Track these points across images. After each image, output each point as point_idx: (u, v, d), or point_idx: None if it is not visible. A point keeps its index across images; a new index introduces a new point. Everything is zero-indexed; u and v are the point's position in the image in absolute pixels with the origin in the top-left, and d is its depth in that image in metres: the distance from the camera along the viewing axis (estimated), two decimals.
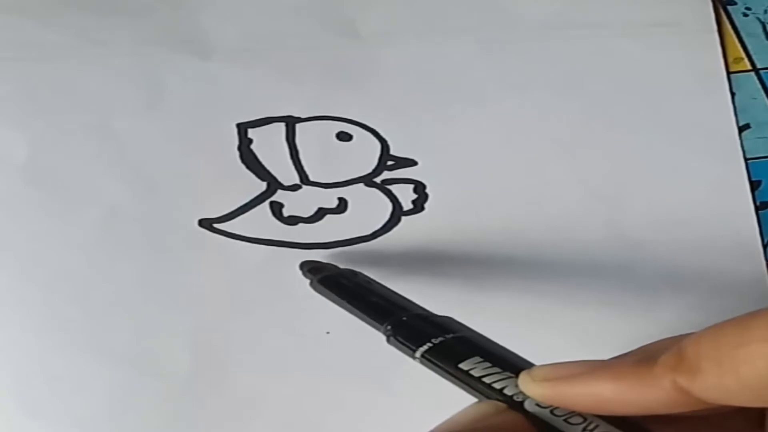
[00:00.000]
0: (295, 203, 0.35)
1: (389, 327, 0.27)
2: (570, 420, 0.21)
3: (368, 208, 0.35)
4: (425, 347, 0.25)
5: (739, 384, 0.19)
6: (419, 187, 0.36)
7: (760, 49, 0.39)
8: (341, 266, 0.33)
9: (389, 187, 0.36)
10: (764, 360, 0.18)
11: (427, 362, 0.25)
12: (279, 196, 0.35)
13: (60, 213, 0.34)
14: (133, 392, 0.32)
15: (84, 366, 0.32)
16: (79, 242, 0.34)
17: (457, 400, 0.32)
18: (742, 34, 0.39)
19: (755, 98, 0.38)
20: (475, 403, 0.23)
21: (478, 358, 0.24)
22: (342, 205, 0.35)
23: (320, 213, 0.35)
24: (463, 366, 0.24)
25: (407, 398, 0.32)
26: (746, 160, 0.37)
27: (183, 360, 0.33)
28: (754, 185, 0.36)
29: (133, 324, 0.33)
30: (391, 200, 0.35)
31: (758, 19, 0.39)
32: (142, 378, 0.32)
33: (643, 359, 0.20)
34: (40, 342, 0.33)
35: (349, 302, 0.30)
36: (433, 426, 0.22)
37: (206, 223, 0.35)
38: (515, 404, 0.22)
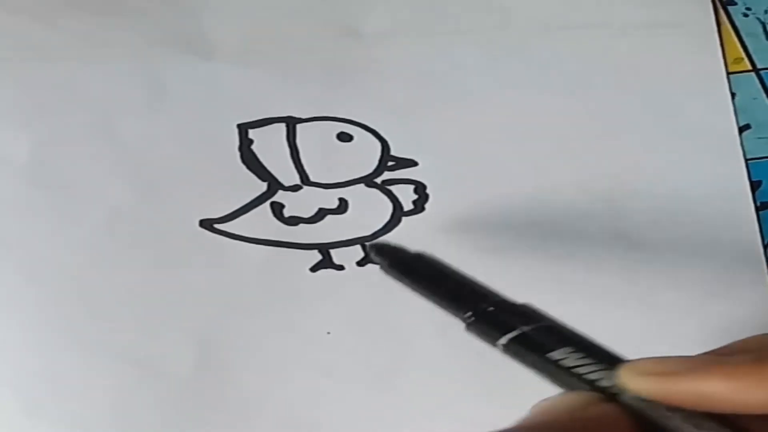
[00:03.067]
0: (295, 204, 0.35)
1: (470, 314, 0.26)
2: (671, 414, 0.21)
3: (369, 209, 0.35)
4: (512, 335, 0.24)
5: None
6: (420, 188, 0.36)
7: (760, 50, 0.39)
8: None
9: (390, 187, 0.36)
10: None
11: (512, 351, 0.24)
12: (280, 196, 0.35)
13: (61, 213, 0.34)
14: (135, 392, 0.32)
15: (86, 366, 0.32)
16: (80, 242, 0.34)
17: (458, 400, 0.32)
18: (743, 34, 0.39)
19: (755, 98, 0.38)
20: (567, 393, 0.22)
21: (570, 349, 0.23)
22: (343, 206, 0.35)
23: (321, 213, 0.35)
24: (553, 356, 0.23)
25: (407, 398, 0.32)
26: (746, 160, 0.37)
27: (184, 360, 0.33)
28: (755, 185, 0.36)
29: (134, 324, 0.33)
30: (392, 201, 0.35)
31: (758, 19, 0.39)
32: (144, 378, 0.32)
33: (759, 358, 0.20)
34: (42, 342, 0.33)
35: (425, 288, 0.28)
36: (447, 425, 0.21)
37: (207, 224, 0.35)
38: (610, 397, 0.22)
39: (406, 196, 0.36)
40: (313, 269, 0.34)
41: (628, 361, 0.22)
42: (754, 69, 0.38)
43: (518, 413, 0.21)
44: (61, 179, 0.35)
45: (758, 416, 0.20)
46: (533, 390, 0.22)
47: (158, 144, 0.36)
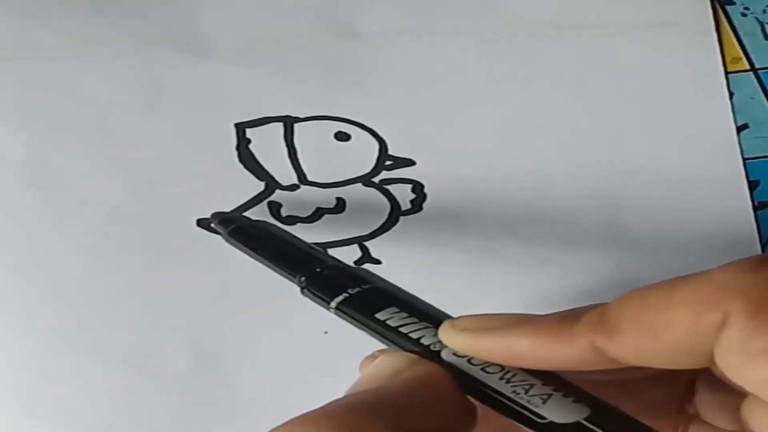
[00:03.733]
0: (293, 203, 0.35)
1: (303, 278, 0.26)
2: (487, 369, 0.21)
3: (366, 208, 0.35)
4: (341, 298, 0.25)
5: (656, 346, 0.19)
6: (417, 187, 0.36)
7: (758, 49, 0.39)
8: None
9: (387, 186, 0.36)
10: (684, 323, 0.19)
11: (342, 313, 0.25)
12: (277, 195, 0.35)
13: (58, 213, 0.34)
14: (133, 392, 0.32)
15: (83, 366, 0.32)
16: (77, 242, 0.34)
17: None
18: (741, 33, 0.39)
19: (753, 98, 0.38)
20: (386, 355, 0.23)
21: (394, 309, 0.24)
22: (340, 205, 0.35)
23: (318, 213, 0.35)
24: (379, 316, 0.23)
25: None
26: (744, 159, 0.37)
27: (181, 360, 0.33)
28: (753, 185, 0.36)
29: (131, 324, 0.33)
30: (390, 200, 0.35)
31: (756, 18, 0.39)
32: (141, 378, 0.32)
33: (566, 317, 0.21)
34: (39, 342, 0.33)
35: (262, 254, 0.29)
36: None
37: (204, 223, 0.35)
38: (432, 354, 0.22)
39: (404, 195, 0.36)
40: None
41: (452, 318, 0.23)
42: (753, 68, 0.38)
43: None
44: (59, 179, 0.35)
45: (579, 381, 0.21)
46: None
47: (155, 143, 0.36)
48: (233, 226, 0.31)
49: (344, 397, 0.21)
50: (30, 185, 0.35)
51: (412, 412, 0.20)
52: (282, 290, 0.34)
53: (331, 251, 0.34)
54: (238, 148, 0.36)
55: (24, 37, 0.37)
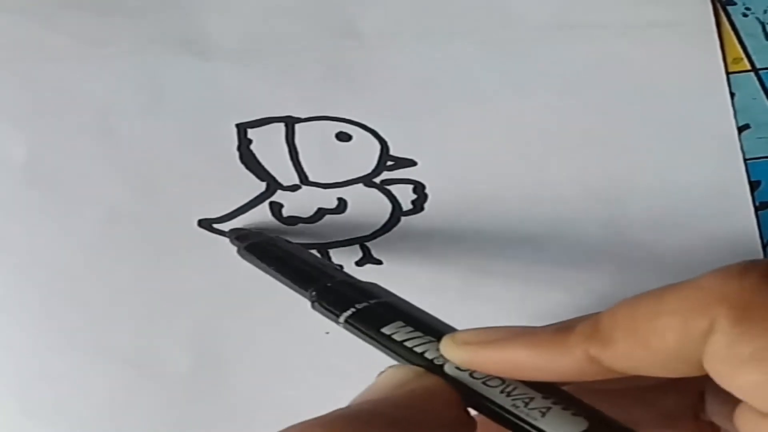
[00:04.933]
0: (294, 203, 0.35)
1: (314, 293, 0.27)
2: (488, 383, 0.21)
3: (368, 209, 0.35)
4: (349, 312, 0.25)
5: (648, 355, 0.19)
6: (419, 188, 0.36)
7: (759, 50, 0.39)
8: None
9: (389, 187, 0.36)
10: (673, 332, 0.19)
11: (350, 327, 0.25)
12: (278, 196, 0.35)
13: (59, 213, 0.34)
14: (133, 392, 0.32)
15: (84, 366, 0.32)
16: (78, 242, 0.34)
17: None
18: (742, 34, 0.39)
19: (755, 98, 0.38)
20: (392, 368, 0.23)
21: (400, 323, 0.24)
22: (341, 206, 0.35)
23: (320, 213, 0.35)
24: (385, 330, 0.24)
25: None
26: (745, 160, 0.37)
27: (182, 360, 0.33)
28: (754, 185, 0.36)
29: (132, 324, 0.33)
30: (391, 200, 0.35)
31: (758, 19, 0.39)
32: (142, 378, 0.32)
33: (561, 328, 0.21)
34: (40, 342, 0.33)
35: (275, 269, 0.30)
36: None
37: (205, 224, 0.35)
38: (435, 368, 0.22)
39: (405, 196, 0.36)
40: None
41: (453, 332, 0.23)
42: (754, 69, 0.38)
43: None
44: (60, 179, 0.35)
45: (590, 392, 0.21)
46: None
47: (156, 144, 0.36)
48: (248, 243, 0.32)
49: (345, 407, 0.21)
50: (30, 185, 0.35)
51: (409, 423, 0.20)
52: (282, 290, 0.34)
53: (333, 251, 0.34)
54: (239, 148, 0.36)
55: (24, 37, 0.37)
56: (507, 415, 0.21)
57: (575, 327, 0.20)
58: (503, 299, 0.34)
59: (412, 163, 0.36)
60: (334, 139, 0.36)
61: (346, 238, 0.35)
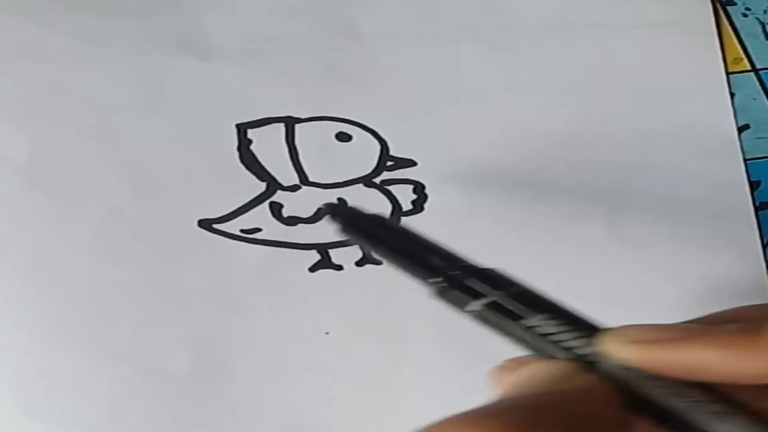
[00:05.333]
0: (294, 204, 0.35)
1: (441, 280, 0.24)
2: (654, 383, 0.20)
3: (368, 209, 0.35)
4: (485, 300, 0.23)
5: None
6: (418, 188, 0.36)
7: (759, 50, 0.39)
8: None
9: (388, 187, 0.36)
10: None
11: (485, 317, 0.23)
12: (278, 196, 0.35)
13: (60, 213, 0.34)
14: (133, 392, 0.32)
15: (84, 366, 0.32)
16: (78, 242, 0.34)
17: (456, 400, 0.32)
18: (742, 34, 0.39)
19: (755, 98, 0.38)
20: (541, 363, 0.22)
21: (545, 315, 0.22)
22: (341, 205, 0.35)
23: (320, 213, 0.35)
24: (527, 322, 0.22)
25: (406, 398, 0.32)
26: (746, 160, 0.37)
27: (183, 360, 0.33)
28: (754, 185, 0.36)
29: (132, 324, 0.33)
30: (391, 201, 0.35)
31: (758, 19, 0.39)
32: (142, 378, 0.32)
33: (747, 328, 0.20)
34: (40, 342, 0.33)
35: (390, 252, 0.26)
36: None
37: (206, 224, 0.35)
38: (588, 365, 0.21)
39: (405, 196, 0.36)
40: (312, 269, 0.34)
41: (611, 328, 0.22)
42: (754, 69, 0.38)
43: None
44: (60, 179, 0.35)
45: (747, 386, 0.20)
46: None
47: (157, 144, 0.36)
48: (350, 220, 0.27)
49: (503, 400, 0.20)
50: (31, 185, 0.35)
51: (575, 422, 0.19)
52: (283, 291, 0.34)
53: (333, 251, 0.34)
54: (239, 148, 0.36)
55: (24, 37, 0.37)
56: (680, 418, 0.20)
57: (761, 328, 0.19)
58: None
59: (412, 163, 0.36)
60: (334, 140, 0.36)
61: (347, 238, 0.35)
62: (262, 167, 0.36)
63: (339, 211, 0.28)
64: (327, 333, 0.33)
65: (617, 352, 0.21)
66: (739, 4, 0.39)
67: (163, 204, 0.35)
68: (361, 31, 0.38)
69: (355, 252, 0.34)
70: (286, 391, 0.32)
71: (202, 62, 0.37)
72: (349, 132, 0.36)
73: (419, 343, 0.33)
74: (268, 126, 0.36)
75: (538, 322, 0.22)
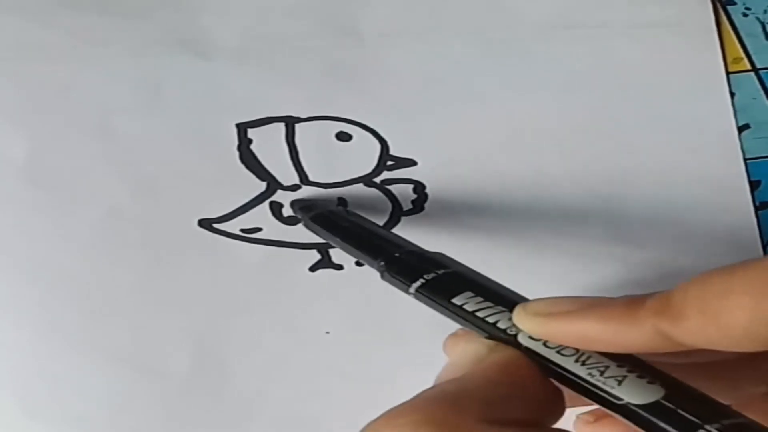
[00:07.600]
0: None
1: (382, 263, 0.27)
2: (563, 352, 0.22)
3: (368, 208, 0.35)
4: (419, 282, 0.25)
5: (719, 332, 0.19)
6: (419, 188, 0.36)
7: (759, 49, 0.39)
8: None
9: (389, 187, 0.36)
10: (744, 311, 0.19)
11: (421, 297, 0.25)
12: (279, 196, 0.35)
13: (59, 213, 0.34)
14: (133, 393, 0.32)
15: (83, 366, 0.32)
16: (78, 242, 0.34)
17: None
18: (742, 34, 0.39)
19: (755, 98, 0.38)
20: (467, 341, 0.23)
21: (470, 293, 0.24)
22: (341, 205, 0.35)
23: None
24: (456, 300, 0.24)
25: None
26: (746, 160, 0.37)
27: (182, 360, 0.33)
28: (754, 185, 0.36)
29: (132, 324, 0.33)
30: (391, 200, 0.35)
31: (758, 19, 0.39)
32: (142, 378, 0.32)
33: (632, 302, 0.21)
34: (40, 342, 0.33)
35: (342, 239, 0.30)
36: None
37: (206, 223, 0.35)
38: (509, 338, 0.23)
39: (405, 195, 0.36)
40: (312, 269, 0.34)
41: (524, 302, 0.23)
42: (754, 69, 0.38)
43: None
44: (60, 179, 0.35)
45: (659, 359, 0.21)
46: None
47: (156, 143, 0.36)
48: (314, 213, 0.32)
49: (430, 388, 0.21)
50: (31, 185, 0.35)
51: (497, 399, 0.21)
52: (283, 291, 0.34)
53: (333, 251, 0.34)
54: (239, 148, 0.36)
55: (25, 37, 0.37)
56: (584, 384, 0.21)
57: (646, 301, 0.21)
58: None
59: (412, 163, 0.36)
60: (334, 139, 0.36)
61: None
62: (262, 167, 0.36)
63: (306, 206, 0.33)
64: (327, 333, 0.33)
65: (523, 324, 0.22)
66: (739, 3, 0.39)
67: (163, 204, 0.35)
68: (361, 31, 0.38)
69: None
70: (285, 391, 0.32)
71: (202, 62, 0.37)
72: (349, 131, 0.36)
73: (419, 343, 0.33)
74: (268, 125, 0.36)
75: (464, 299, 0.24)
